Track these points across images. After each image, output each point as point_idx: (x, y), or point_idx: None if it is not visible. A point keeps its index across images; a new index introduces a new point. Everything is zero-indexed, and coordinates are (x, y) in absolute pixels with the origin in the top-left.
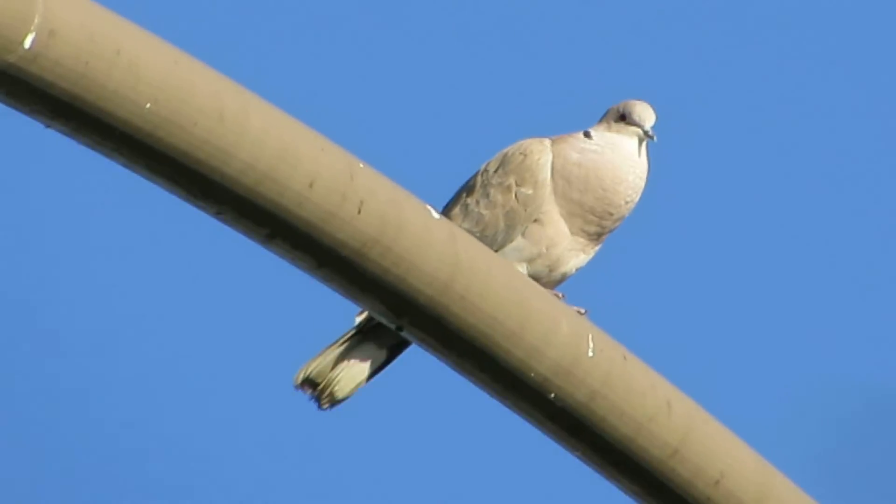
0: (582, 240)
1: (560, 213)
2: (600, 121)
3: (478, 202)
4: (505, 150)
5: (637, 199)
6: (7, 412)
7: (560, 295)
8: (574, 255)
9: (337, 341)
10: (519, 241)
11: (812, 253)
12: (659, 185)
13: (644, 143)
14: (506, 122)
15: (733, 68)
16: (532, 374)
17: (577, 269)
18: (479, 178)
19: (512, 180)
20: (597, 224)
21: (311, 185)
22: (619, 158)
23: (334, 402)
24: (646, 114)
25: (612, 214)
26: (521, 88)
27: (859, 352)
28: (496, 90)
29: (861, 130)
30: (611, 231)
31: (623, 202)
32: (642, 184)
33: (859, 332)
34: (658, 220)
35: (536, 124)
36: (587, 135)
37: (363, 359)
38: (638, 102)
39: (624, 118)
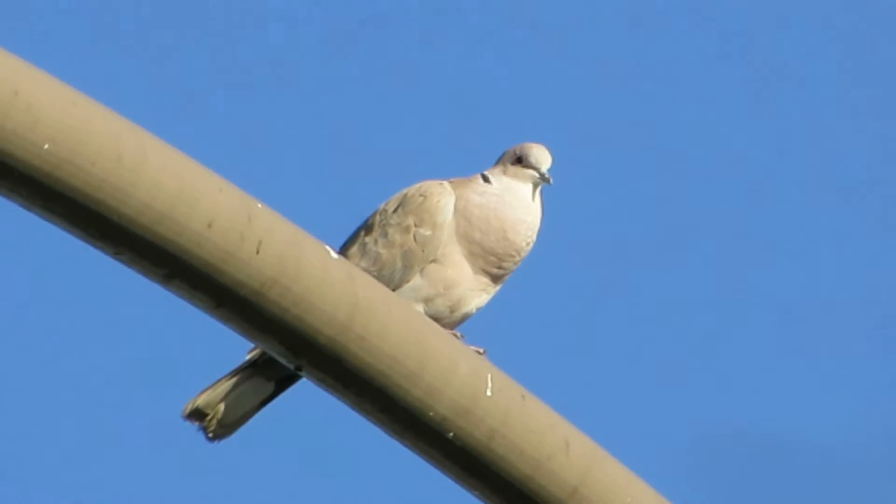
0: (483, 280)
1: (462, 254)
2: (496, 163)
3: (376, 241)
4: (404, 191)
5: (534, 240)
6: None
7: (459, 335)
8: (475, 295)
9: (227, 375)
10: (416, 281)
11: (704, 292)
12: (555, 224)
13: (539, 187)
14: (401, 164)
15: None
16: (431, 414)
17: (478, 309)
18: (377, 218)
19: (411, 221)
20: (497, 265)
21: (209, 226)
22: (517, 201)
23: (222, 433)
24: (542, 156)
25: (512, 256)
26: (417, 130)
27: (745, 392)
28: (392, 133)
29: (761, 184)
30: (511, 272)
31: (524, 244)
32: (538, 225)
33: (746, 373)
34: (555, 260)
35: (432, 167)
36: (485, 178)
37: (252, 391)
38: (534, 145)
39: (520, 161)
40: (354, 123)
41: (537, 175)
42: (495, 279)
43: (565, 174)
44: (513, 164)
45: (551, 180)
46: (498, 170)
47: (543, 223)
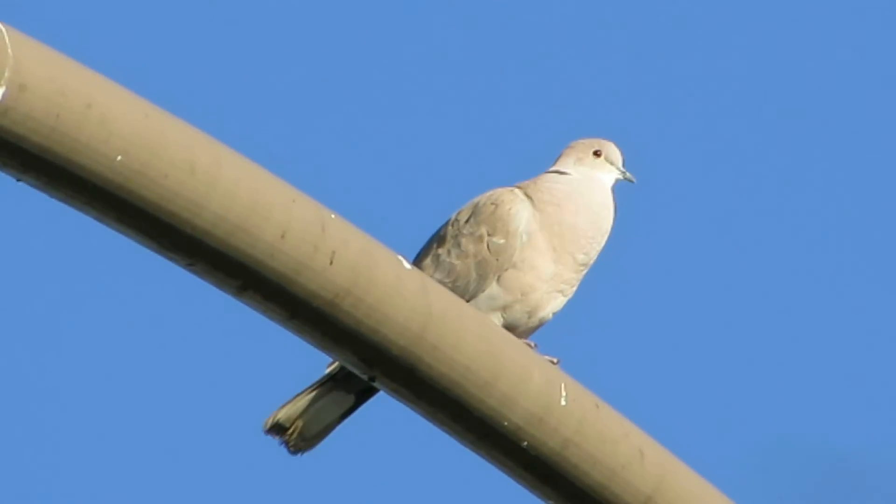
0: (562, 278)
1: (544, 251)
2: (561, 158)
3: (449, 252)
4: (476, 200)
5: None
6: None
7: (532, 344)
8: (553, 297)
9: (307, 388)
10: (493, 290)
11: (784, 304)
12: (627, 230)
13: (614, 183)
14: (473, 172)
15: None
16: (505, 423)
17: (553, 314)
18: (449, 229)
19: (484, 230)
20: (585, 250)
21: (282, 237)
22: (600, 188)
23: (303, 446)
24: (619, 154)
25: (598, 241)
26: (484, 139)
27: (825, 406)
28: (463, 141)
29: (826, 190)
30: (590, 264)
31: (608, 228)
32: (613, 219)
33: (825, 388)
34: (628, 268)
35: (501, 173)
36: (559, 172)
37: (332, 404)
38: (612, 142)
39: (598, 154)
40: (423, 132)
41: (618, 171)
42: (578, 271)
43: (641, 174)
44: (590, 157)
45: (634, 179)
46: (570, 161)
47: (617, 224)
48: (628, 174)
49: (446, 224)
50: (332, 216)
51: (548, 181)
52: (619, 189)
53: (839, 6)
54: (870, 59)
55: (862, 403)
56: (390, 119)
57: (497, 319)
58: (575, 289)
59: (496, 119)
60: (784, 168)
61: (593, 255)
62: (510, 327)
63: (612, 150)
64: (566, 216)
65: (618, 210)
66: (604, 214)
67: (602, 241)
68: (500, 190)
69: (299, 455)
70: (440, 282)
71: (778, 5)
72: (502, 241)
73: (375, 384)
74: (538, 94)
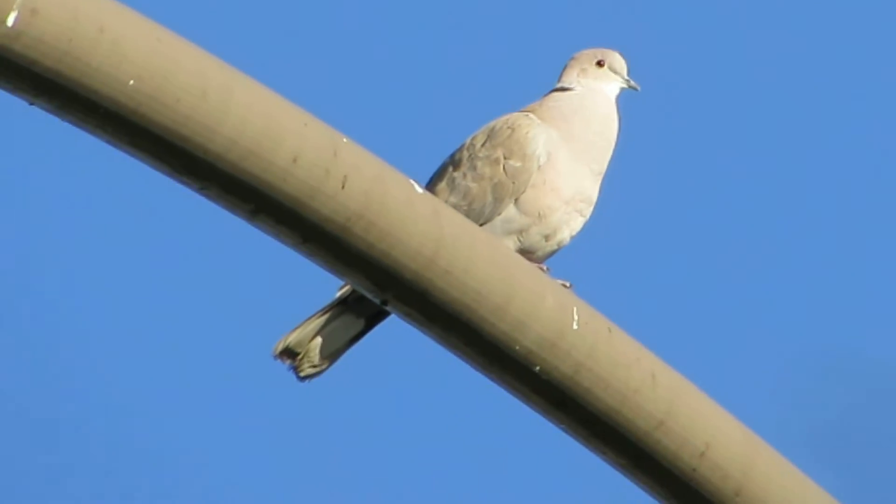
0: (584, 191)
1: (567, 165)
2: (566, 70)
3: (465, 175)
4: (491, 124)
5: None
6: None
7: (545, 268)
8: (571, 218)
9: (317, 313)
10: (510, 212)
11: (795, 219)
12: (634, 144)
13: (619, 93)
14: (483, 97)
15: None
16: (517, 347)
17: (571, 237)
18: (464, 153)
19: (500, 153)
20: (598, 161)
21: (294, 161)
22: (603, 98)
23: (312, 372)
24: (623, 62)
25: (607, 151)
26: (495, 67)
27: (844, 324)
28: (472, 68)
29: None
30: (601, 176)
31: (614, 137)
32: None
33: (841, 305)
34: (638, 190)
35: (512, 94)
36: (563, 89)
37: (342, 328)
38: (615, 51)
39: (602, 64)
40: (438, 58)
41: (622, 79)
42: (593, 184)
43: (646, 88)
44: (593, 67)
45: (638, 87)
46: (573, 74)
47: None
48: (632, 83)
49: (461, 148)
50: (344, 140)
51: (553, 101)
52: (624, 98)
53: None
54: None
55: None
56: (401, 43)
57: (513, 243)
58: (592, 208)
59: (504, 41)
60: (794, 75)
61: (604, 165)
62: (526, 251)
63: (616, 59)
64: (576, 131)
65: (622, 120)
66: (608, 125)
67: (610, 150)
68: (515, 114)
69: (308, 381)
70: (456, 205)
71: None
72: (519, 164)
73: (388, 308)
74: (544, 10)
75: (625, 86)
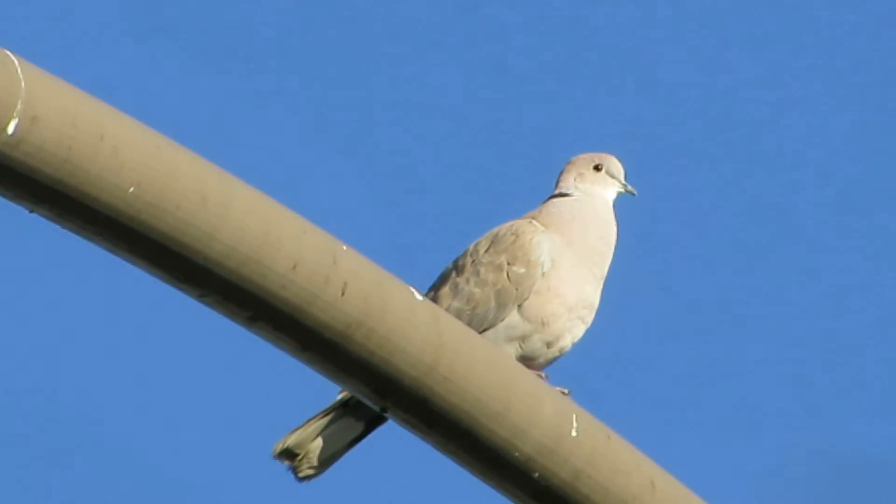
0: (587, 297)
1: (571, 271)
2: (562, 177)
3: (468, 281)
4: (494, 231)
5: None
6: None
7: (543, 375)
8: (574, 325)
9: (317, 415)
10: (513, 319)
11: (794, 317)
12: (630, 258)
13: (616, 197)
14: (482, 205)
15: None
16: (516, 454)
17: (573, 344)
18: (468, 258)
19: (503, 259)
20: (599, 266)
21: (294, 268)
22: (602, 204)
23: (311, 473)
24: (621, 166)
25: (607, 256)
26: (491, 168)
27: (832, 422)
28: (471, 172)
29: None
30: (603, 280)
31: (614, 242)
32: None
33: (832, 403)
34: (633, 298)
35: (512, 203)
36: (562, 195)
37: (341, 431)
38: (612, 155)
39: (599, 169)
40: (432, 164)
41: (619, 184)
42: (595, 288)
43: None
44: (590, 171)
45: (635, 192)
46: (570, 179)
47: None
48: (629, 187)
49: (464, 254)
50: (344, 248)
51: (553, 206)
52: (622, 202)
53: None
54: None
55: (875, 408)
56: (399, 151)
57: (515, 350)
58: (594, 314)
59: (502, 148)
60: (791, 179)
61: (605, 270)
62: (528, 358)
63: (613, 164)
64: (577, 236)
65: (620, 225)
66: (608, 230)
67: (610, 255)
68: (518, 221)
69: (306, 482)
70: (459, 310)
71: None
72: (523, 270)
73: (387, 415)
74: (541, 116)
75: (622, 190)
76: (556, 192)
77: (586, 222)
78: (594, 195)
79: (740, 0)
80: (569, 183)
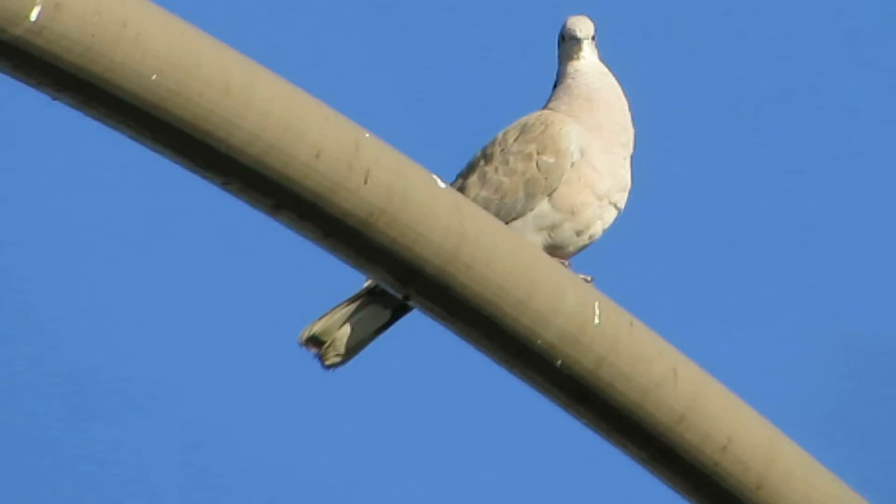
0: (619, 182)
1: (601, 157)
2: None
3: (497, 170)
4: (523, 120)
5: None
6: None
7: (567, 263)
8: (605, 211)
9: (344, 302)
10: (542, 208)
11: (813, 210)
12: (655, 147)
13: (579, 55)
14: (504, 98)
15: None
16: (538, 342)
17: (604, 231)
18: (497, 147)
19: (533, 148)
20: (623, 126)
21: (317, 156)
22: (584, 66)
23: (337, 361)
24: (577, 23)
25: (623, 107)
26: (514, 63)
27: (863, 307)
28: (493, 69)
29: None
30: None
31: (618, 90)
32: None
33: (864, 287)
34: (657, 187)
35: (531, 96)
36: (558, 83)
37: (368, 318)
38: (570, 17)
39: (563, 39)
40: (461, 58)
41: (576, 39)
42: (625, 150)
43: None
44: (562, 45)
45: (582, 44)
46: (559, 61)
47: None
48: (579, 36)
49: (492, 143)
50: (367, 135)
51: (556, 100)
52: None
53: None
54: None
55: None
56: (424, 42)
57: (544, 239)
58: (627, 194)
59: (525, 41)
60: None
61: (630, 134)
62: (557, 247)
63: (567, 27)
64: (595, 119)
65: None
66: (610, 90)
67: (627, 114)
68: (547, 111)
69: (333, 370)
70: (487, 199)
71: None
72: (552, 160)
73: (410, 302)
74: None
75: (585, 42)
76: (556, 82)
77: (594, 102)
78: (583, 67)
79: None
80: (560, 67)
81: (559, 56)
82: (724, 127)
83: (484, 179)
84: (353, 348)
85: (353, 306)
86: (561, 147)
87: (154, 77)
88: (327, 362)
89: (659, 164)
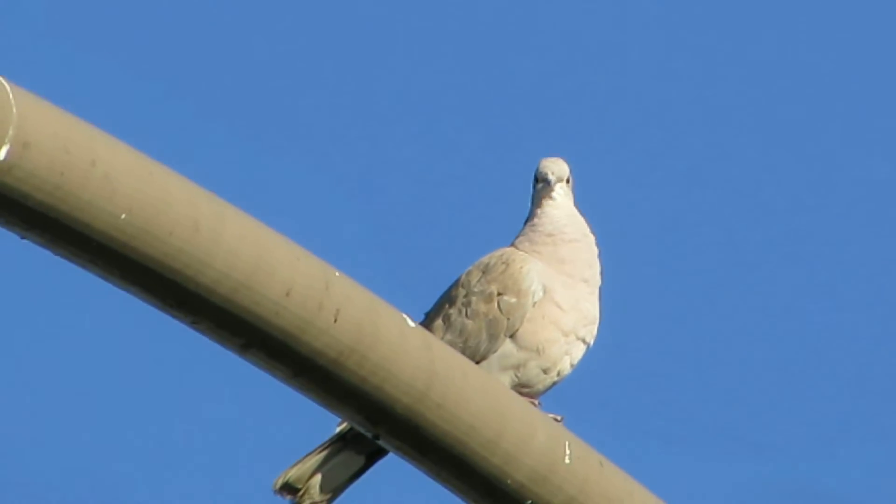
0: (585, 312)
1: (563, 293)
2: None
3: (460, 312)
4: (485, 260)
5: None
6: None
7: (537, 402)
8: (573, 347)
9: (317, 448)
10: (506, 348)
11: (780, 335)
12: (630, 286)
13: (557, 197)
14: (471, 230)
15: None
16: (509, 482)
17: (573, 367)
18: (460, 289)
19: (494, 289)
20: (588, 263)
21: (287, 294)
22: (552, 206)
23: None
24: (550, 166)
25: (586, 245)
26: (482, 194)
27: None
28: (461, 198)
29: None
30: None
31: (584, 227)
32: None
33: (822, 433)
34: (626, 324)
35: (500, 230)
36: (528, 219)
37: (342, 465)
38: (543, 160)
39: (537, 181)
40: (424, 189)
41: (547, 182)
42: (591, 294)
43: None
44: (535, 186)
45: (554, 187)
46: (533, 201)
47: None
48: (549, 178)
49: (456, 284)
50: (337, 274)
51: (523, 235)
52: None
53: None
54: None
55: (856, 443)
56: (390, 177)
57: (510, 379)
58: (596, 327)
59: (497, 178)
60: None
61: (597, 270)
62: (525, 386)
63: (540, 169)
64: (558, 255)
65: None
66: (578, 228)
67: (596, 259)
68: (508, 249)
69: None
70: (452, 342)
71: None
72: (514, 299)
73: (379, 442)
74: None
75: (557, 184)
76: (527, 219)
77: (557, 237)
78: (550, 208)
79: None
80: (531, 206)
81: (532, 196)
82: (698, 260)
83: (448, 322)
84: (328, 495)
85: (325, 453)
86: (522, 287)
87: (123, 216)
88: None
89: (630, 296)
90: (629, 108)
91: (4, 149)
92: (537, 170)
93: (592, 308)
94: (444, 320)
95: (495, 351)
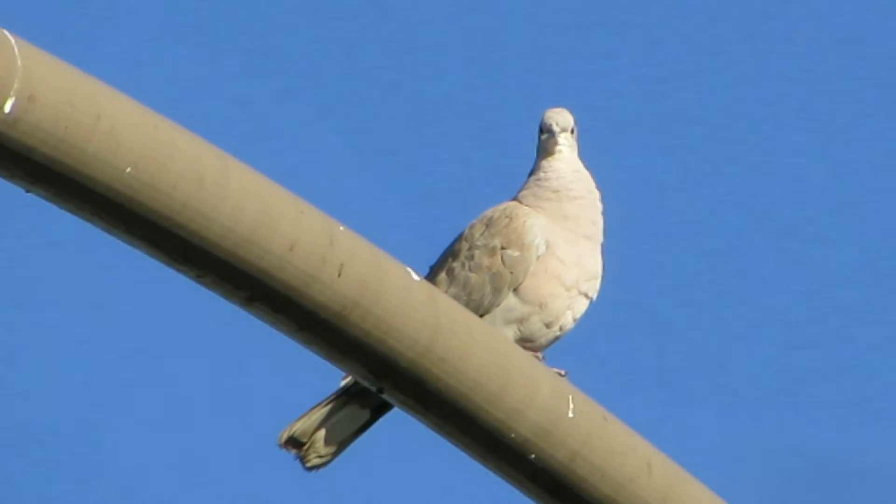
0: (589, 271)
1: (566, 248)
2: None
3: (463, 265)
4: (489, 213)
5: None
6: None
7: (540, 356)
8: (574, 302)
9: (322, 402)
10: (509, 302)
11: (787, 305)
12: (634, 244)
13: (561, 151)
14: (477, 184)
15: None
16: (512, 436)
17: (575, 321)
18: (463, 243)
19: (498, 242)
20: (591, 220)
21: (291, 249)
22: (559, 160)
23: (318, 462)
24: (555, 116)
25: (592, 202)
26: (488, 152)
27: (824, 412)
28: (468, 154)
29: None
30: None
31: (591, 185)
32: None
33: (826, 394)
34: (634, 283)
35: (506, 185)
36: (533, 173)
37: (347, 419)
38: (548, 111)
39: (542, 131)
40: (431, 146)
41: (552, 133)
42: (594, 250)
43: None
44: (540, 138)
45: (558, 138)
46: (537, 152)
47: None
48: (555, 129)
49: (459, 238)
50: (341, 228)
51: (527, 189)
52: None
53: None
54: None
55: (858, 408)
56: (397, 132)
57: (513, 333)
58: (599, 282)
59: (502, 128)
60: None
61: (601, 231)
62: (528, 340)
63: (545, 119)
64: (562, 210)
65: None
66: (583, 184)
67: (600, 214)
68: (512, 203)
69: (314, 471)
70: (455, 295)
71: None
72: (517, 253)
73: (383, 396)
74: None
75: (563, 136)
76: (531, 172)
77: (562, 194)
78: (556, 162)
79: None
80: (536, 157)
81: (537, 147)
82: (702, 215)
83: (451, 276)
84: (333, 449)
85: (329, 407)
86: (525, 240)
87: (128, 170)
88: (308, 464)
89: (636, 252)
90: (637, 68)
91: (10, 102)
92: (542, 120)
93: (595, 263)
94: (447, 274)
95: (498, 305)
